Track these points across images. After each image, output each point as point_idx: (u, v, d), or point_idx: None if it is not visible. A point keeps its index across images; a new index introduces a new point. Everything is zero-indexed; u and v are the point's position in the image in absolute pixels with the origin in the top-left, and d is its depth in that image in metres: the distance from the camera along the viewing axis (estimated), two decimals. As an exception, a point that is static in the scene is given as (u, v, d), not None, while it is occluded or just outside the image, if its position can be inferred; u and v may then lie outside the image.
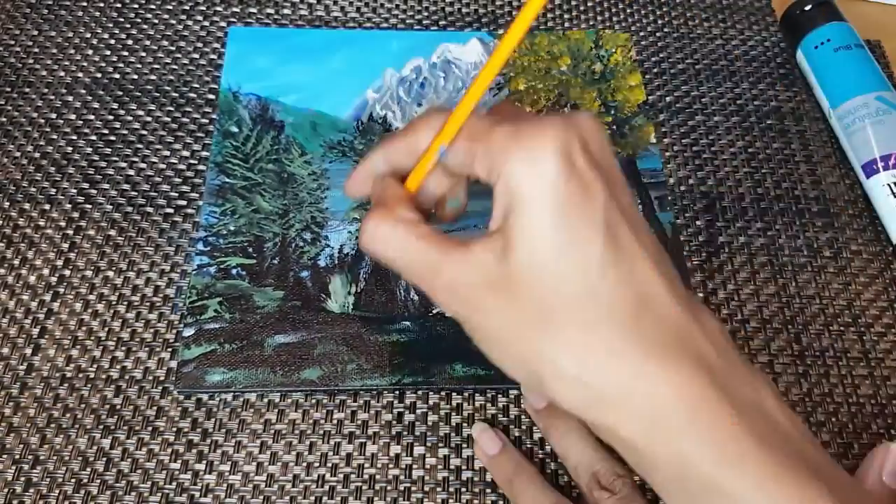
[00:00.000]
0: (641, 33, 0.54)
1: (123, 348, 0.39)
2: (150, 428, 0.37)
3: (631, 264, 0.24)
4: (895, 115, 0.46)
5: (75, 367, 0.39)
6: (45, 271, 0.41)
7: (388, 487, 0.36)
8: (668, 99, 0.50)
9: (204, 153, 0.46)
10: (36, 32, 0.51)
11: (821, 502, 0.22)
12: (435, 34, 0.53)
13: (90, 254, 0.42)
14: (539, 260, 0.24)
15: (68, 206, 0.44)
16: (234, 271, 0.41)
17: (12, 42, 0.50)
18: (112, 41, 0.51)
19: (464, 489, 0.36)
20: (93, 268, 0.42)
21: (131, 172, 0.45)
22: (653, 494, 0.35)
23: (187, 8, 0.53)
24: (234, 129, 0.47)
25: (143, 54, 0.50)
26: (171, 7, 0.53)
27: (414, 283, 0.27)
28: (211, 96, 0.49)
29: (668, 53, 0.53)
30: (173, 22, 0.52)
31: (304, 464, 0.37)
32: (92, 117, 0.47)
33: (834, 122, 0.48)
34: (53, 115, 0.47)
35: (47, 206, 0.44)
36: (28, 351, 0.39)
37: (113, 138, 0.47)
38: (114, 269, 0.42)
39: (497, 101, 0.49)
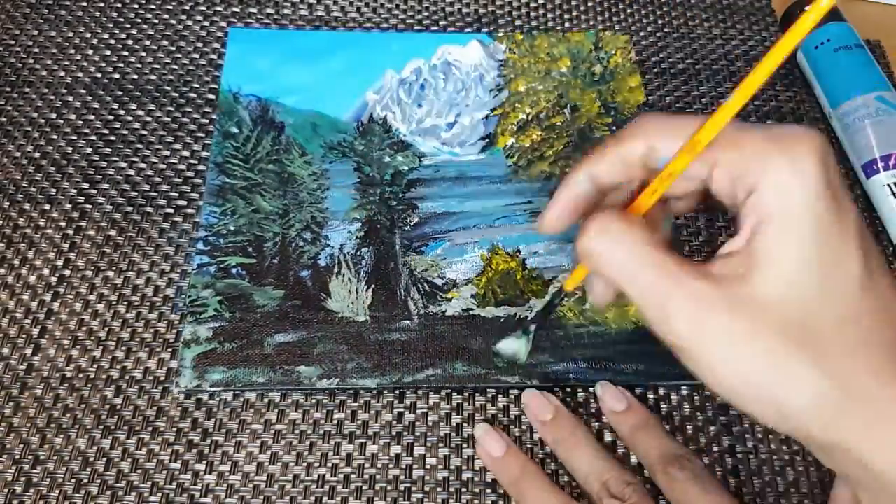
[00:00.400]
0: (641, 34, 0.54)
1: (123, 348, 0.39)
2: (150, 428, 0.37)
3: (881, 284, 0.23)
4: (895, 115, 0.46)
5: (75, 367, 0.38)
6: (46, 271, 0.41)
7: (389, 487, 0.36)
8: (668, 99, 0.50)
9: (204, 153, 0.46)
10: (36, 32, 0.51)
11: None
12: (435, 35, 0.53)
13: (90, 254, 0.42)
14: (796, 280, 0.22)
15: (68, 206, 0.44)
16: (234, 271, 0.41)
17: (12, 42, 0.50)
18: (112, 41, 0.51)
19: (464, 489, 0.36)
20: (93, 268, 0.42)
21: (131, 172, 0.45)
22: (667, 502, 0.36)
23: (187, 8, 0.53)
24: (235, 130, 0.47)
25: (144, 54, 0.50)
26: (171, 7, 0.53)
27: (638, 300, 0.24)
28: (211, 96, 0.49)
29: (668, 53, 0.53)
30: (173, 22, 0.52)
31: (305, 464, 0.37)
32: (92, 117, 0.47)
33: (834, 122, 0.48)
34: (53, 115, 0.47)
35: (47, 206, 0.44)
36: (28, 351, 0.39)
37: (113, 138, 0.47)
38: (114, 268, 0.42)
39: (498, 102, 0.49)
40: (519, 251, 0.43)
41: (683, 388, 0.39)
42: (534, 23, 0.54)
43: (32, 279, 0.41)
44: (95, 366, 0.39)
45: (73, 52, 0.50)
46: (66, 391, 0.38)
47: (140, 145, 0.46)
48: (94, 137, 0.47)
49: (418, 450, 0.37)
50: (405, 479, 0.36)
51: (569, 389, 0.39)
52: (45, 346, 0.39)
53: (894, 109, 0.46)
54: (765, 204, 0.22)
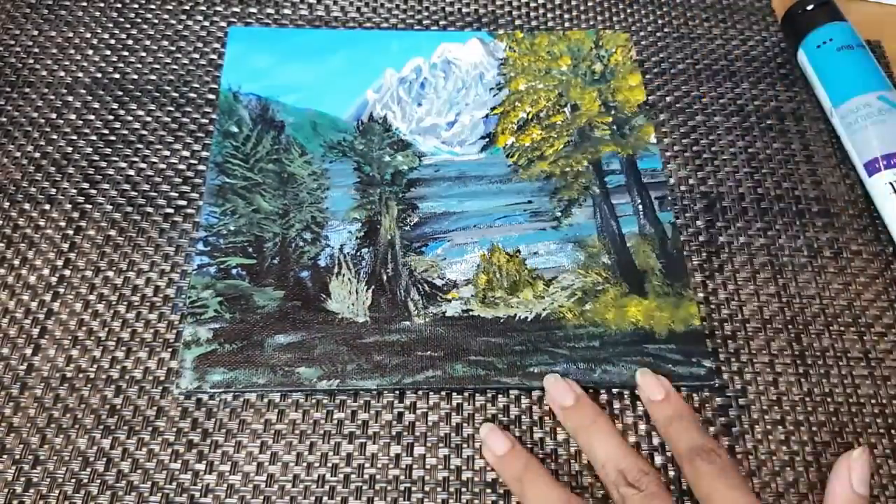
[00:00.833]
0: (641, 33, 0.54)
1: (123, 348, 0.39)
2: (150, 428, 0.37)
3: None
4: (896, 114, 0.46)
5: (75, 367, 0.39)
6: (46, 271, 0.41)
7: (389, 487, 0.36)
8: (668, 99, 0.50)
9: (204, 153, 0.46)
10: (36, 32, 0.51)
11: None
12: (435, 34, 0.53)
13: (90, 254, 0.42)
14: None
15: (68, 206, 0.44)
16: (234, 271, 0.41)
17: (12, 42, 0.50)
18: (112, 41, 0.51)
19: (464, 489, 0.36)
20: (93, 268, 0.42)
21: (131, 172, 0.45)
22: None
23: (187, 8, 0.53)
24: (235, 129, 0.47)
25: (144, 54, 0.50)
26: (171, 7, 0.53)
27: None
28: (211, 96, 0.49)
29: (669, 53, 0.53)
30: (173, 22, 0.52)
31: (305, 464, 0.37)
32: (92, 117, 0.47)
33: (836, 120, 0.48)
34: (54, 115, 0.47)
35: (47, 206, 0.44)
36: (28, 351, 0.39)
37: (113, 138, 0.47)
38: (114, 269, 0.42)
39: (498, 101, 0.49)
40: (519, 251, 0.43)
41: (683, 388, 0.39)
42: (534, 22, 0.54)
43: (32, 279, 0.41)
44: (95, 366, 0.39)
45: (73, 52, 0.50)
46: (66, 391, 0.38)
47: (140, 145, 0.46)
48: (94, 137, 0.47)
49: (418, 450, 0.37)
50: (405, 479, 0.36)
51: (568, 390, 0.39)
52: (45, 346, 0.39)
53: None
54: None
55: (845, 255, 0.44)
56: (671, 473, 0.37)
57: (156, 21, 0.52)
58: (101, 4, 0.53)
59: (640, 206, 0.45)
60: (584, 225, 0.44)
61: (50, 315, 0.40)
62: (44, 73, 0.49)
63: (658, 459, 0.37)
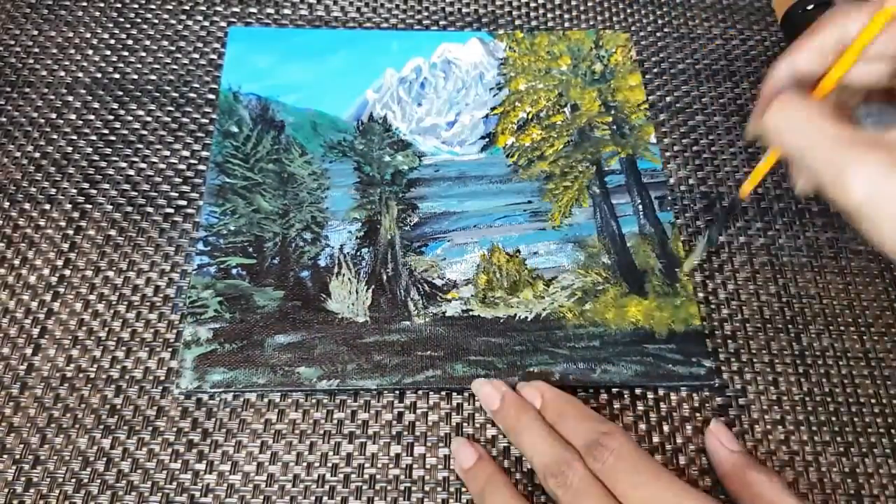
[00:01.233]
0: (641, 33, 0.54)
1: (123, 348, 0.39)
2: (150, 428, 0.37)
3: None
4: None
5: (75, 367, 0.39)
6: (46, 271, 0.41)
7: (389, 487, 0.36)
8: (668, 99, 0.50)
9: (204, 153, 0.46)
10: (36, 32, 0.51)
11: None
12: (435, 34, 0.53)
13: (90, 254, 0.42)
14: None
15: (68, 205, 0.44)
16: (234, 271, 0.41)
17: (12, 42, 0.50)
18: (112, 41, 0.51)
19: (464, 489, 0.36)
20: (93, 268, 0.42)
21: (131, 172, 0.45)
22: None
23: (187, 8, 0.53)
24: (235, 129, 0.47)
25: (144, 54, 0.50)
26: (171, 7, 0.53)
27: (816, 170, 0.26)
28: (211, 96, 0.49)
29: (669, 53, 0.53)
30: (173, 22, 0.52)
31: (305, 464, 0.37)
32: (92, 117, 0.47)
33: (834, 121, 0.48)
34: (54, 115, 0.47)
35: (47, 206, 0.44)
36: (28, 351, 0.39)
37: (113, 138, 0.47)
38: (114, 268, 0.42)
39: (498, 101, 0.49)
40: (519, 251, 0.43)
41: (683, 388, 0.39)
42: (534, 22, 0.54)
43: (33, 279, 0.41)
44: (95, 366, 0.39)
45: (73, 52, 0.50)
46: (66, 391, 0.38)
47: (140, 145, 0.46)
48: (94, 137, 0.47)
49: (418, 449, 0.37)
50: (405, 479, 0.36)
51: (569, 389, 0.39)
52: (46, 345, 0.39)
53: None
54: None
55: (845, 255, 0.44)
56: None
57: (156, 21, 0.52)
58: (101, 4, 0.53)
59: (640, 206, 0.45)
60: (584, 225, 0.44)
61: (50, 315, 0.40)
62: (44, 72, 0.49)
63: (658, 459, 0.37)
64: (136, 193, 0.45)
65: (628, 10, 0.55)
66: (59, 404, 0.38)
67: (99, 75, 0.49)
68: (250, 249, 0.42)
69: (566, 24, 0.54)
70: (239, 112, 0.47)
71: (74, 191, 0.44)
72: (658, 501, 0.31)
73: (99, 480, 0.36)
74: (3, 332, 0.39)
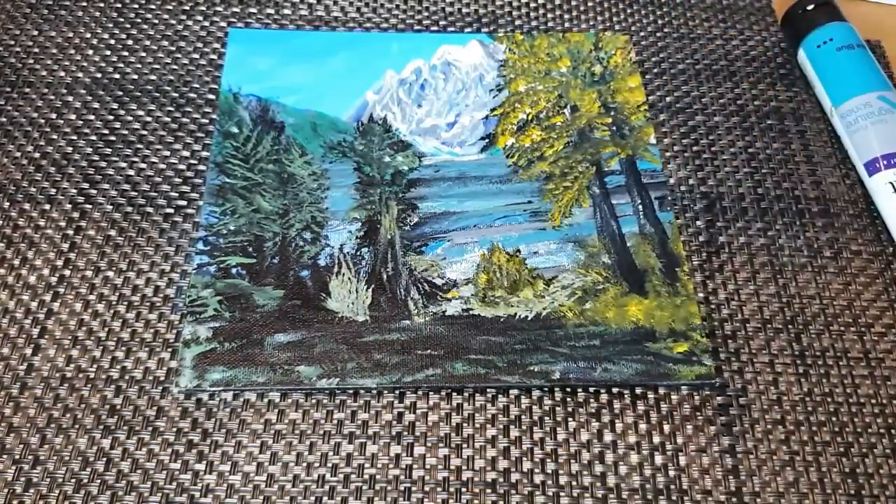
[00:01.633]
0: (641, 33, 0.54)
1: (123, 348, 0.39)
2: (150, 428, 0.37)
3: None
4: (896, 114, 0.46)
5: (75, 367, 0.38)
6: (45, 271, 0.41)
7: (389, 487, 0.36)
8: (668, 99, 0.50)
9: (204, 153, 0.46)
10: (36, 32, 0.51)
11: None
12: (435, 36, 0.53)
13: (90, 254, 0.42)
14: None
15: (68, 206, 0.44)
16: (234, 271, 0.41)
17: (12, 42, 0.50)
18: (112, 41, 0.51)
19: (464, 489, 0.36)
20: (93, 268, 0.42)
21: (131, 172, 0.45)
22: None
23: (187, 8, 0.53)
24: (235, 130, 0.47)
25: (144, 54, 0.50)
26: (171, 7, 0.53)
27: None
28: (211, 96, 0.49)
29: (669, 54, 0.53)
30: (173, 22, 0.52)
31: (305, 464, 0.37)
32: (92, 117, 0.47)
33: (836, 120, 0.48)
34: (53, 115, 0.47)
35: (47, 206, 0.44)
36: (28, 351, 0.39)
37: (113, 138, 0.47)
38: (114, 269, 0.42)
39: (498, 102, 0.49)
40: (519, 251, 0.43)
41: (683, 388, 0.39)
42: (534, 23, 0.54)
43: (32, 279, 0.41)
44: (95, 366, 0.39)
45: (73, 52, 0.50)
46: (66, 391, 0.38)
47: (140, 145, 0.46)
48: (94, 137, 0.47)
49: (418, 450, 0.37)
50: (405, 479, 0.36)
51: (568, 389, 0.39)
52: (45, 346, 0.39)
53: None
54: None
55: (845, 255, 0.44)
56: (671, 473, 0.37)
57: (156, 21, 0.52)
58: (101, 4, 0.53)
59: (640, 206, 0.45)
60: (584, 225, 0.44)
61: (50, 315, 0.40)
62: (44, 73, 0.49)
63: (658, 458, 0.37)
64: (135, 193, 0.45)
65: (628, 11, 0.55)
66: (58, 404, 0.37)
67: (99, 75, 0.49)
68: (250, 249, 0.42)
69: (566, 25, 0.54)
70: (239, 113, 0.47)
71: (74, 191, 0.44)
72: None
73: (99, 480, 0.36)
74: (2, 332, 0.39)
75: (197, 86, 0.49)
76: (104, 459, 0.36)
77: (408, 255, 0.43)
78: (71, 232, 0.43)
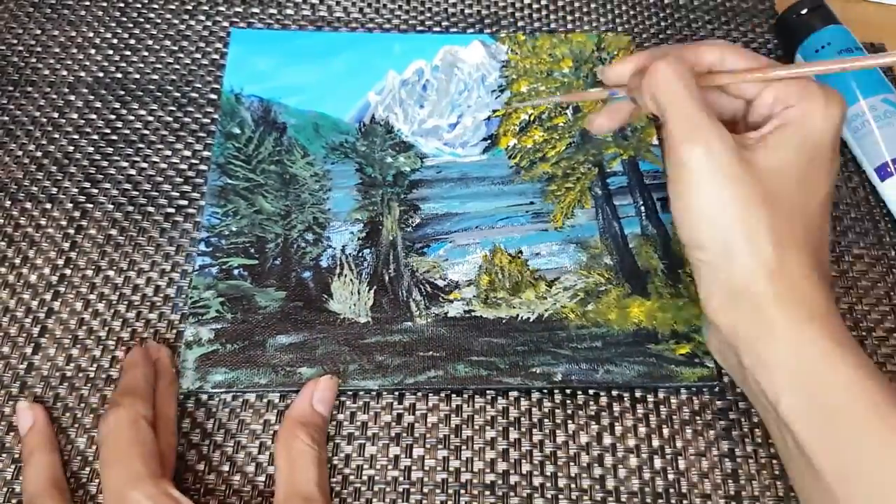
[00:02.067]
0: (644, 35, 0.54)
1: (124, 348, 0.39)
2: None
3: (825, 213, 0.33)
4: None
5: (75, 367, 0.38)
6: (46, 270, 0.41)
7: (387, 489, 0.36)
8: (670, 101, 0.50)
9: (206, 153, 0.46)
10: (39, 31, 0.51)
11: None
12: (437, 36, 0.53)
13: (91, 253, 0.42)
14: (786, 168, 0.31)
15: (70, 205, 0.44)
16: (235, 272, 0.41)
17: (15, 41, 0.50)
18: (115, 41, 0.51)
19: (462, 491, 0.36)
20: (94, 267, 0.42)
21: (133, 172, 0.45)
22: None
23: (190, 8, 0.53)
24: (237, 131, 0.47)
25: (146, 54, 0.50)
26: (173, 7, 0.53)
27: (669, 127, 0.32)
28: (213, 96, 0.49)
29: (671, 56, 0.53)
30: (176, 22, 0.52)
31: (305, 464, 0.36)
32: (94, 117, 0.47)
33: (841, 125, 0.48)
34: (56, 115, 0.47)
35: (49, 205, 0.44)
36: (28, 350, 0.39)
37: (115, 138, 0.47)
38: (115, 268, 0.42)
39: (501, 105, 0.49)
40: (521, 252, 0.43)
41: (683, 391, 0.39)
42: (536, 24, 0.54)
43: (33, 278, 0.41)
44: (95, 365, 0.39)
45: (75, 51, 0.50)
46: (66, 391, 0.38)
47: (142, 145, 0.46)
48: (95, 137, 0.47)
49: (417, 451, 0.37)
50: (404, 481, 0.36)
51: (569, 391, 0.39)
52: (46, 345, 0.39)
53: (900, 112, 0.46)
54: (793, 117, 0.32)
55: (847, 259, 0.44)
56: (670, 476, 0.37)
57: (158, 21, 0.52)
58: (104, 4, 0.53)
59: (643, 208, 0.45)
60: (587, 226, 0.44)
61: (50, 314, 0.40)
62: (46, 72, 0.49)
63: (658, 462, 0.37)
64: (137, 193, 0.45)
65: (631, 12, 0.55)
66: (58, 404, 0.37)
67: (101, 75, 0.49)
68: (252, 250, 0.42)
69: (569, 26, 0.54)
70: (241, 114, 0.47)
71: (76, 190, 0.44)
72: None
73: (98, 480, 0.35)
74: (3, 331, 0.39)
75: (199, 86, 0.49)
76: (104, 459, 0.36)
77: (410, 256, 0.43)
78: (72, 231, 0.43)
